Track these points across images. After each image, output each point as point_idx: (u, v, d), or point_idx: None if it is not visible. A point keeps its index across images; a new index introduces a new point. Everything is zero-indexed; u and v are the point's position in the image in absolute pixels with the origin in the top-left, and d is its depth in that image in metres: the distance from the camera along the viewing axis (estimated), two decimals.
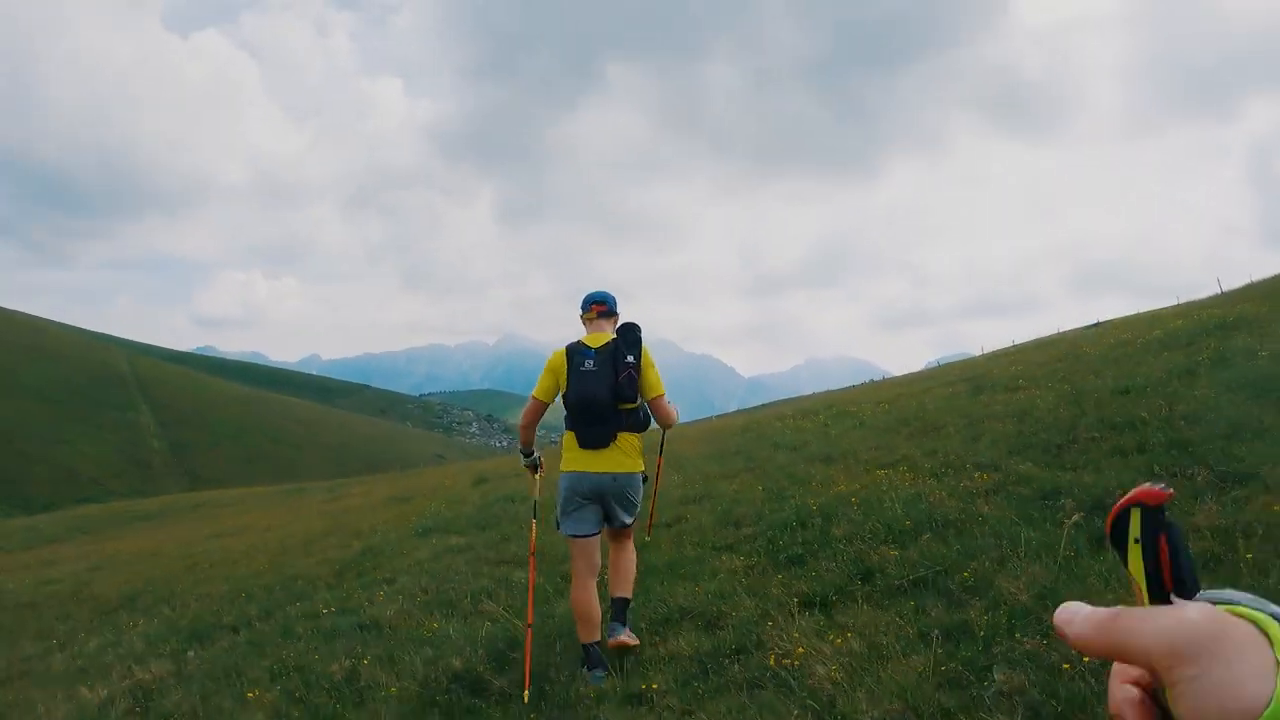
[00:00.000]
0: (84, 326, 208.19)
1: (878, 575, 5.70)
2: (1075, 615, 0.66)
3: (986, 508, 6.66)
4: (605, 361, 4.99)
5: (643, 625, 5.62)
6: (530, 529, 5.82)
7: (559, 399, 5.18)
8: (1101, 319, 37.63)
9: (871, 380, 48.44)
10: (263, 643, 7.43)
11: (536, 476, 5.61)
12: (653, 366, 5.13)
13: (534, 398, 5.16)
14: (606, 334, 5.19)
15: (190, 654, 7.65)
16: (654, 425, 5.46)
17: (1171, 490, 0.68)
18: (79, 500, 68.02)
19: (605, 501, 5.04)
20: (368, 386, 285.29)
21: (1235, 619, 0.67)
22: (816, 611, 5.30)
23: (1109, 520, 0.69)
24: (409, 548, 10.64)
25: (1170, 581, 0.69)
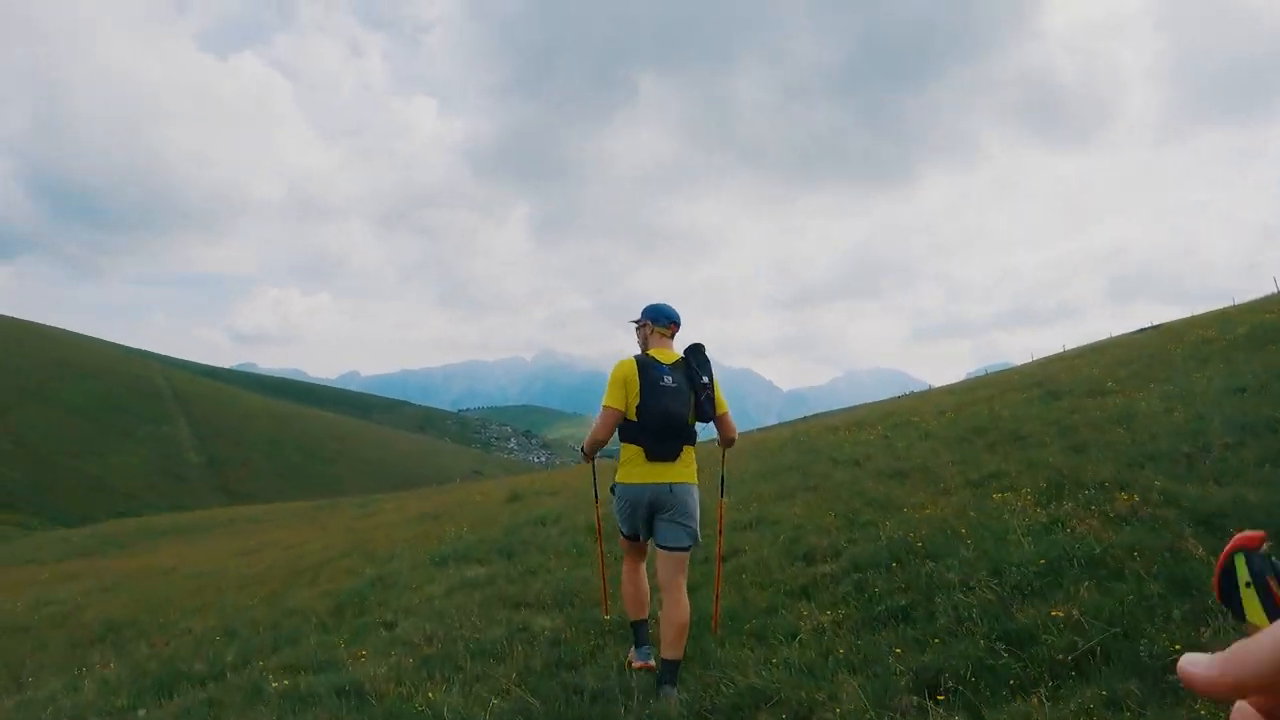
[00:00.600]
0: (120, 342, 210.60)
1: (1028, 641, 4.15)
2: (1198, 661, 0.68)
3: (1137, 536, 5.22)
4: (682, 378, 4.96)
5: (706, 716, 4.14)
6: (595, 510, 6.24)
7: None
8: (1153, 322, 36.22)
9: (913, 391, 46.85)
10: (224, 703, 6.02)
11: (594, 463, 5.60)
12: (718, 385, 5.11)
13: (611, 407, 4.99)
14: (674, 353, 5.15)
15: (141, 713, 6.27)
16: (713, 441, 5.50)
17: (1263, 533, 0.69)
18: (114, 514, 67.94)
19: (659, 511, 4.92)
20: (406, 402, 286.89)
21: None
22: (954, 703, 3.76)
23: (1215, 580, 0.69)
24: (422, 579, 9.26)
25: None
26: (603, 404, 4.99)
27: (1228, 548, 0.70)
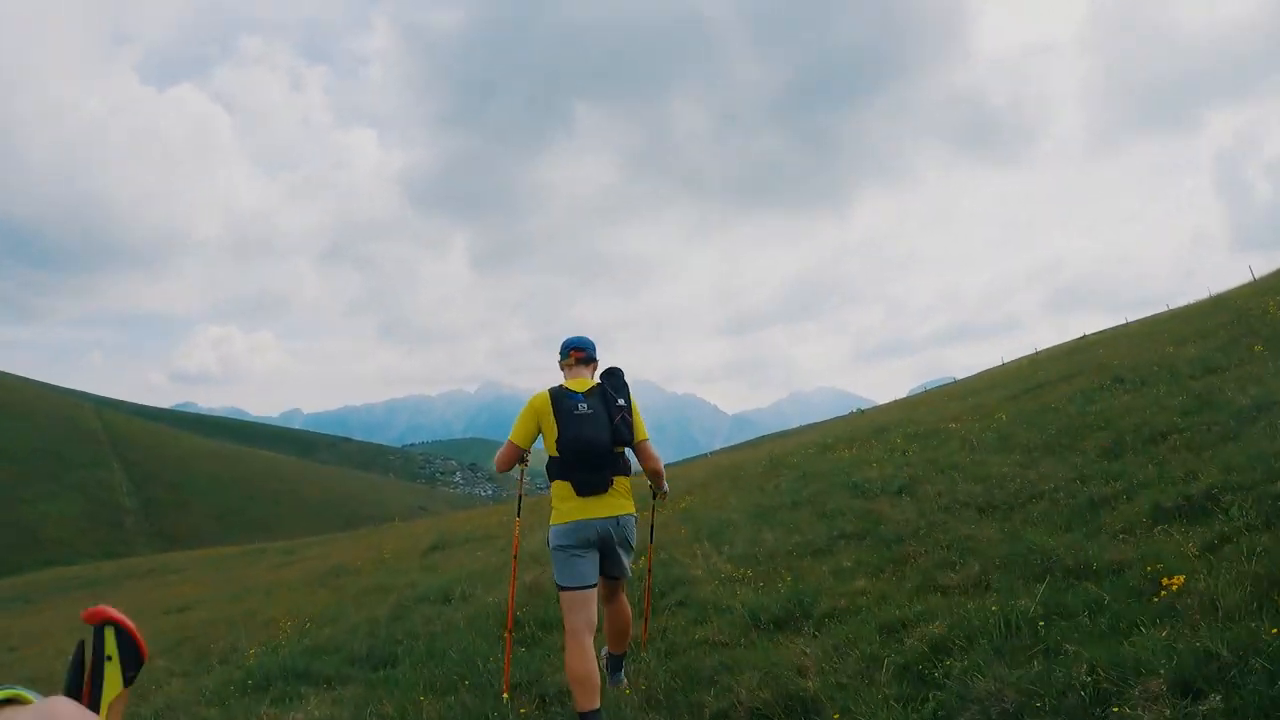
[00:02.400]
0: (54, 383, 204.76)
1: None
2: None
3: None
4: (598, 404, 4.86)
5: None
6: (515, 528, 5.94)
7: (539, 445, 5.03)
8: (1085, 333, 36.96)
9: (861, 409, 47.22)
10: None
11: (521, 466, 5.22)
12: (638, 410, 5.01)
13: (511, 442, 4.93)
14: (589, 379, 5.09)
15: None
16: (635, 471, 5.19)
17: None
18: (44, 563, 65.86)
19: (607, 548, 4.80)
20: (349, 439, 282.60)
21: None
22: None
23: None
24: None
25: None
26: (508, 438, 4.93)
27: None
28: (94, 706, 0.68)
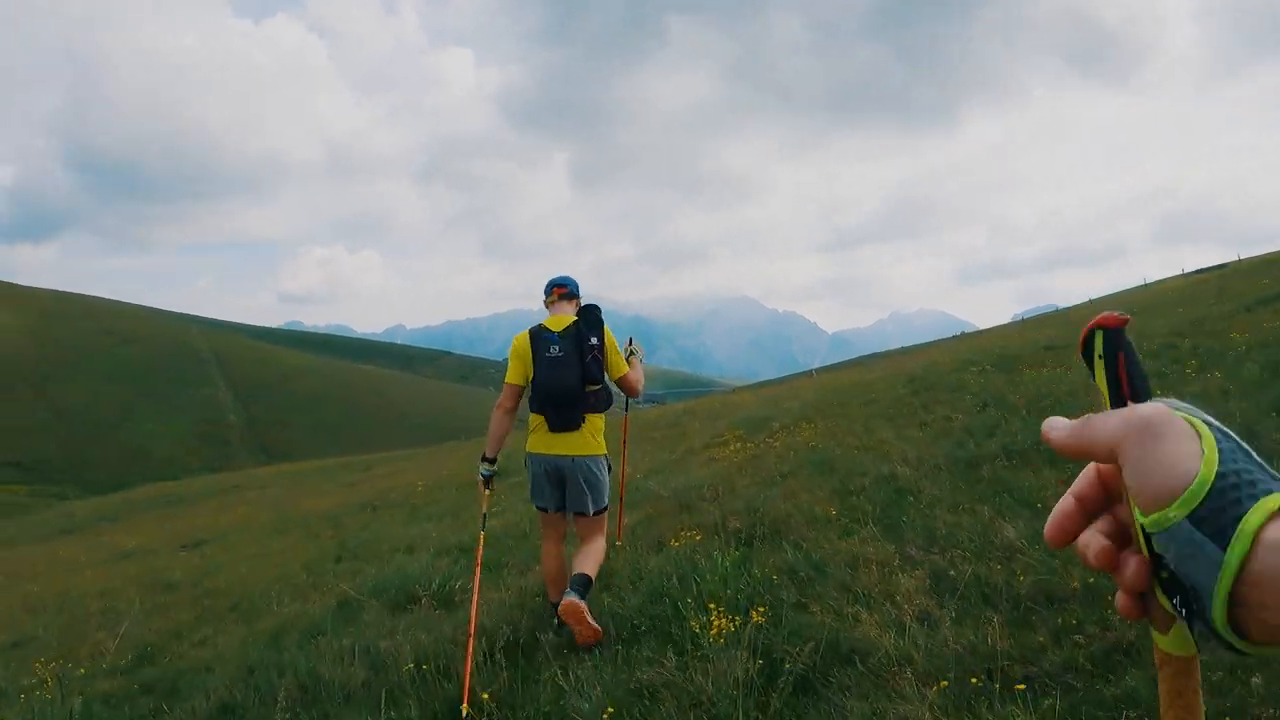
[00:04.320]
0: (166, 308, 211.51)
1: None
2: (1056, 424, 0.79)
3: None
4: (570, 345, 5.05)
5: None
6: (479, 541, 5.43)
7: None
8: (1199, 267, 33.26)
9: (964, 332, 43.67)
10: None
11: (487, 493, 5.51)
12: (616, 347, 5.19)
13: (507, 383, 5.21)
14: (569, 316, 5.23)
15: None
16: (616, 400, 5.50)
17: (1129, 316, 0.80)
18: (151, 479, 67.17)
19: (565, 482, 5.09)
20: (450, 353, 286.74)
21: (1174, 414, 0.81)
22: None
23: (1080, 341, 0.81)
24: None
25: (1128, 391, 0.81)
26: (504, 380, 5.26)
27: (1092, 322, 0.78)
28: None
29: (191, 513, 27.29)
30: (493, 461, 5.27)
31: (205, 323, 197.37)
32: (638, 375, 5.35)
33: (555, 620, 4.94)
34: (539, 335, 5.07)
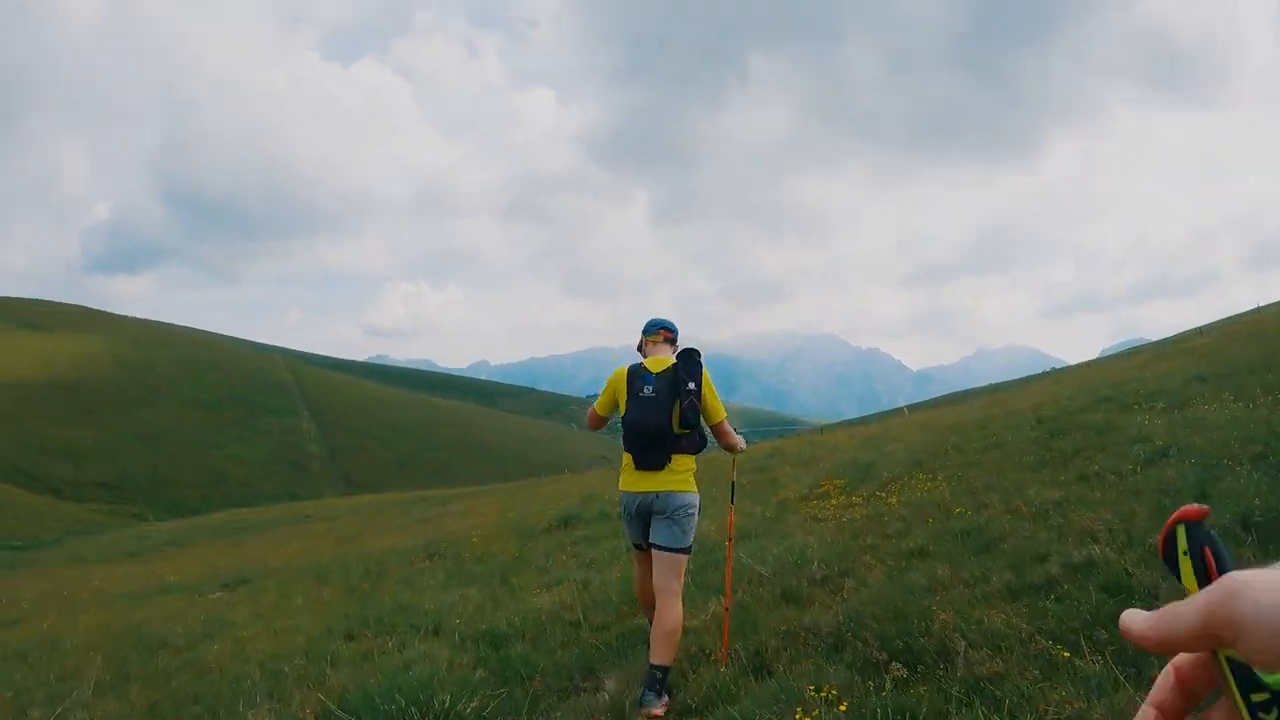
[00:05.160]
0: (254, 339, 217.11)
1: None
2: (1135, 617, 0.78)
3: None
4: (665, 388, 5.03)
5: None
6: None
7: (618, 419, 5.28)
8: None
9: (1053, 369, 41.23)
10: None
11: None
12: (714, 392, 5.15)
13: (593, 410, 5.35)
14: (668, 359, 5.22)
15: None
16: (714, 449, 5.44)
17: (1208, 508, 0.78)
18: (230, 504, 67.98)
19: (647, 516, 5.04)
20: (533, 389, 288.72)
21: (1248, 573, 0.78)
22: None
23: (1160, 542, 0.79)
24: None
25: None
26: (594, 405, 5.33)
27: (1172, 518, 0.76)
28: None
29: (255, 543, 27.07)
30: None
31: (290, 353, 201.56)
32: (737, 438, 5.33)
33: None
34: (636, 374, 5.15)
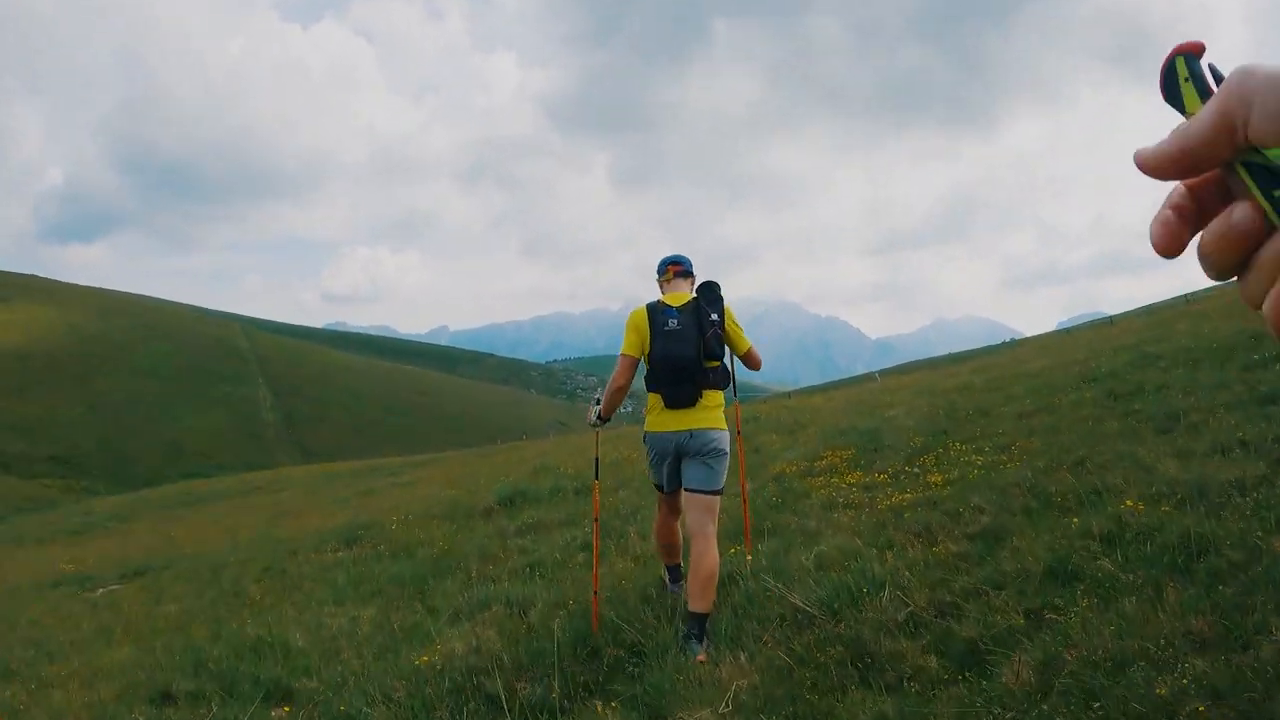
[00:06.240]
0: (212, 307, 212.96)
1: None
2: (1150, 146, 0.74)
3: None
4: (689, 320, 4.90)
5: None
6: (594, 489, 5.61)
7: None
8: None
9: (1010, 340, 40.45)
10: None
11: (599, 434, 5.67)
12: (735, 322, 5.07)
13: (624, 354, 5.03)
14: (686, 293, 5.10)
15: None
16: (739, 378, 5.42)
17: (1204, 42, 0.76)
18: (185, 474, 65.71)
19: (684, 456, 4.82)
20: (492, 355, 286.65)
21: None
22: None
23: (1161, 75, 0.76)
24: None
25: None
26: (620, 351, 5.02)
27: (1170, 52, 0.75)
28: None
29: (193, 519, 25.88)
30: (606, 420, 5.22)
31: (247, 320, 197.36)
32: (758, 352, 5.22)
33: (668, 582, 5.12)
34: (657, 310, 5.00)
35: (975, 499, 5.14)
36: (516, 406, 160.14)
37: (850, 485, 6.97)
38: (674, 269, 5.16)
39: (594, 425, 5.22)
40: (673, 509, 5.04)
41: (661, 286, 5.21)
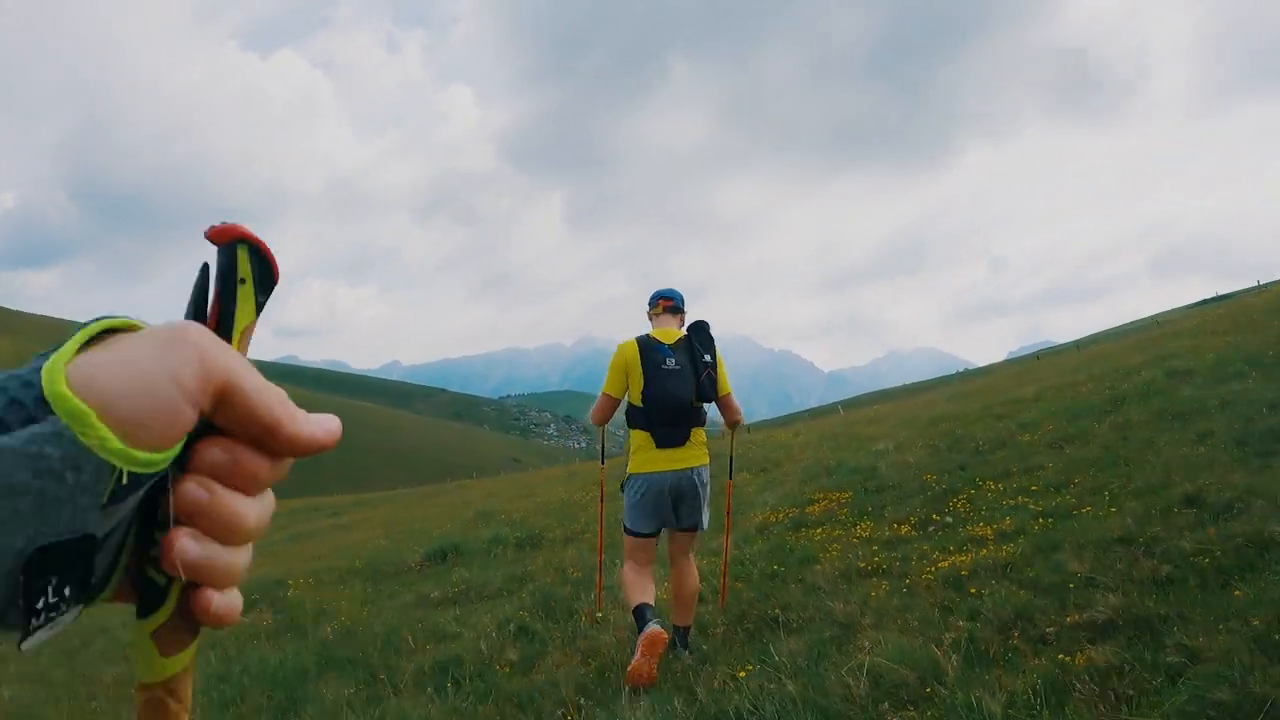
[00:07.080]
0: None
1: None
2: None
3: None
4: (684, 359, 4.78)
5: None
6: (600, 474, 5.71)
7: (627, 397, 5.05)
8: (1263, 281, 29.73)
9: (962, 370, 40.08)
10: None
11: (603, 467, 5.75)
12: (723, 364, 4.95)
13: (606, 394, 4.86)
14: (677, 331, 4.99)
15: None
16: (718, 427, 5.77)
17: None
18: None
19: (678, 498, 4.69)
20: (445, 390, 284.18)
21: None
22: None
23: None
24: None
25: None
26: (602, 390, 4.85)
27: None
28: (224, 334, 0.55)
29: None
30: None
31: None
32: (741, 413, 5.04)
33: (639, 626, 4.58)
34: (650, 346, 4.80)
35: (1071, 563, 3.70)
36: (470, 442, 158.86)
37: (864, 540, 5.55)
38: (664, 304, 5.06)
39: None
40: (649, 557, 4.77)
41: (651, 319, 5.11)
